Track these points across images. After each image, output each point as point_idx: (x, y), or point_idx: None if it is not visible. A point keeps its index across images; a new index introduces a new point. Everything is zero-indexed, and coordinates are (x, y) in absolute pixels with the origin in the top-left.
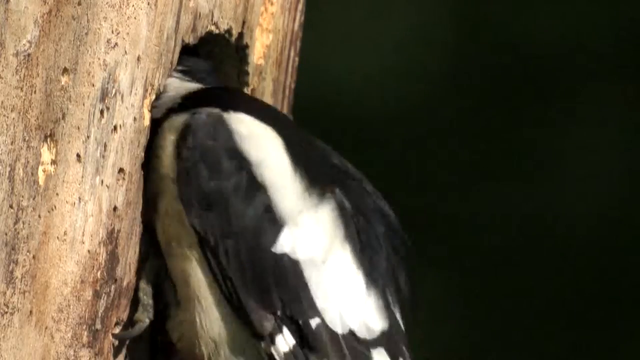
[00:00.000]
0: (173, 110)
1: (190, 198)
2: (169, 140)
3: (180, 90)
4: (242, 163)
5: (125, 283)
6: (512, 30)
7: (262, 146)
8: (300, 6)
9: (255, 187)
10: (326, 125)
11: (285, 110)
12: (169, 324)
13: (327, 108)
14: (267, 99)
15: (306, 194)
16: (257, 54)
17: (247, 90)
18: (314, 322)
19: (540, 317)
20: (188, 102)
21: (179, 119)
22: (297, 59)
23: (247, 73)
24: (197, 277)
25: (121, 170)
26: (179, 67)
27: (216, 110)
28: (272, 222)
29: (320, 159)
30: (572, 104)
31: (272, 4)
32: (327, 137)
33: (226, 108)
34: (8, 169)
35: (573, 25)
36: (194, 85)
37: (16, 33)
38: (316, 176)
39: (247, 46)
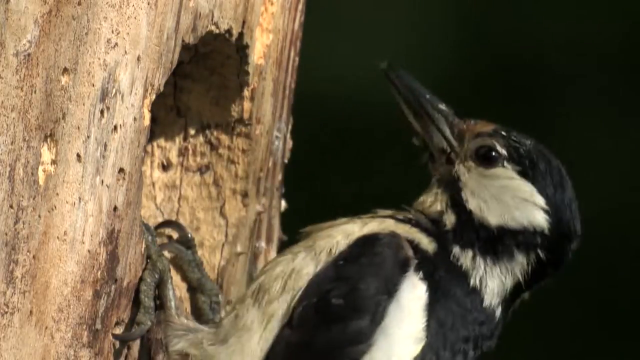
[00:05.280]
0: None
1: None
2: (343, 243)
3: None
4: (375, 316)
5: (125, 283)
6: (513, 31)
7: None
8: (300, 6)
9: (365, 337)
10: (326, 125)
11: (285, 110)
12: (177, 342)
13: (328, 108)
14: (267, 98)
15: None
16: (258, 53)
17: (247, 90)
18: None
19: (540, 320)
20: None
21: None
22: (297, 58)
23: (247, 73)
24: (252, 340)
25: (121, 170)
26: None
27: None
28: None
29: None
30: (573, 105)
31: (272, 3)
32: (328, 137)
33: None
34: (8, 169)
35: (574, 26)
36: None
37: (16, 33)
38: None
39: (247, 46)
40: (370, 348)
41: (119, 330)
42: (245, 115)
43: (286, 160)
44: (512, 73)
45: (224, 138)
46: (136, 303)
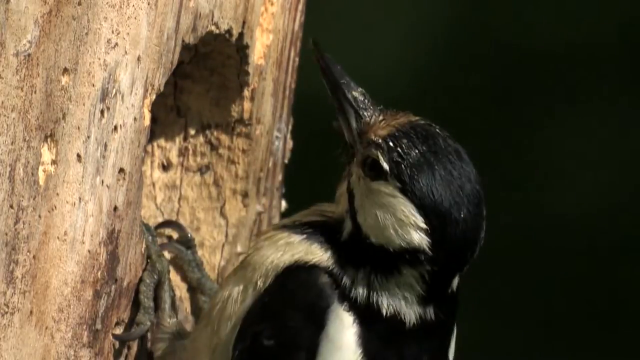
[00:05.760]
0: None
1: (252, 335)
2: (275, 270)
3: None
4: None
5: (125, 283)
6: (512, 30)
7: None
8: (300, 6)
9: None
10: (326, 125)
11: (285, 110)
12: (161, 346)
13: (327, 108)
14: (267, 98)
15: None
16: (258, 54)
17: (247, 91)
18: None
19: (533, 314)
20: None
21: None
22: (297, 59)
23: (247, 73)
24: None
25: (121, 170)
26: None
27: (328, 292)
28: None
29: None
30: (572, 103)
31: (272, 4)
32: (328, 138)
33: (342, 298)
34: (8, 169)
35: (573, 23)
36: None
37: (16, 33)
38: None
39: (247, 46)
40: None
41: (119, 330)
42: (245, 116)
43: (286, 160)
44: (512, 73)
45: (224, 138)
46: (136, 303)
